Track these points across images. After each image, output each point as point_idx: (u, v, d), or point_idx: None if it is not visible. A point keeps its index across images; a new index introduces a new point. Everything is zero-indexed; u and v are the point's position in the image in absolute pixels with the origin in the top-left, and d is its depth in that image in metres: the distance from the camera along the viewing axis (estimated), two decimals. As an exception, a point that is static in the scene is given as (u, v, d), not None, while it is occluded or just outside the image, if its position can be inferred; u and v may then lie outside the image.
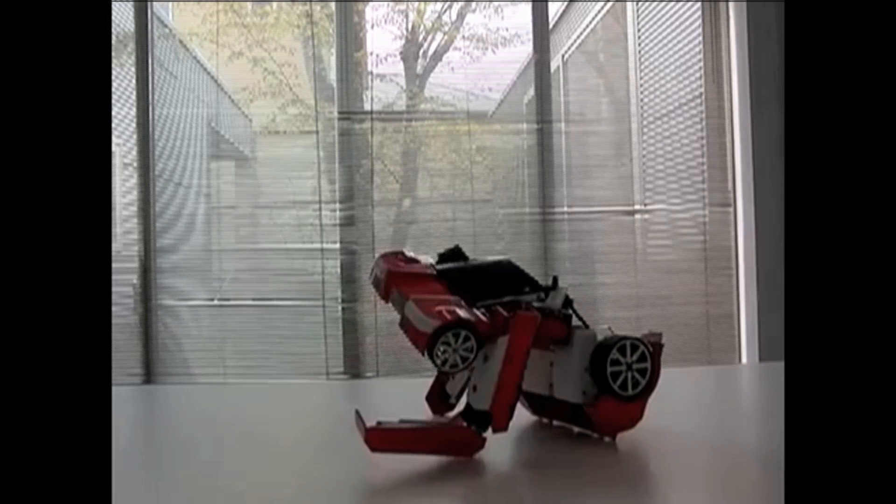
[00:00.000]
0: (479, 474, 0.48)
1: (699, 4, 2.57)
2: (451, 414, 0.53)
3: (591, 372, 0.52)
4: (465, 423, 0.49)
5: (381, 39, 2.64)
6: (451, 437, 0.49)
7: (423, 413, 0.56)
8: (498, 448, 0.50)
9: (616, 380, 0.51)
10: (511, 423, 0.49)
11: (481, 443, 0.49)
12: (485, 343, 0.48)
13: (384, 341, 2.51)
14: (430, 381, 0.57)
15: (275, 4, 2.71)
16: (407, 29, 2.70)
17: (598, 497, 0.44)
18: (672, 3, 2.63)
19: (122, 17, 2.49)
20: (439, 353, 0.46)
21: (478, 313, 0.49)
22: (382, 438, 0.47)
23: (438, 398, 0.56)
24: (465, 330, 0.47)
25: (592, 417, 0.52)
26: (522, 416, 0.59)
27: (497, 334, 0.49)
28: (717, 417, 0.64)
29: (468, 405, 0.50)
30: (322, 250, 2.52)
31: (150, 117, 2.49)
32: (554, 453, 0.52)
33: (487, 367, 0.49)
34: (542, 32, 2.60)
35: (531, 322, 0.49)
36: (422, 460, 0.48)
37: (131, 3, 2.49)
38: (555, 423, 0.58)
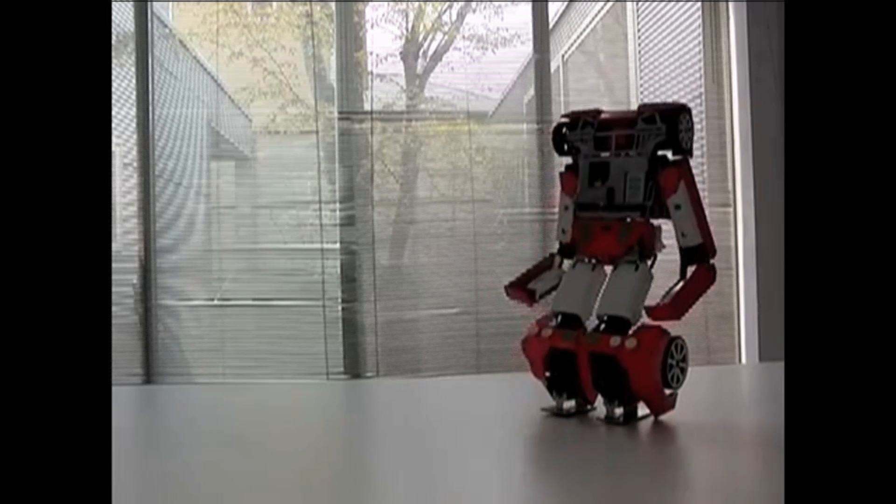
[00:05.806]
0: (479, 472, 0.48)
1: (699, 4, 2.57)
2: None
3: None
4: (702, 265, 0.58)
5: (381, 39, 2.64)
6: (699, 281, 0.59)
7: (425, 413, 0.55)
8: (499, 444, 0.50)
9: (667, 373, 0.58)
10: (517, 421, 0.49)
11: (715, 275, 0.59)
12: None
13: (384, 341, 2.51)
14: (430, 380, 0.57)
15: (275, 4, 2.71)
16: (407, 29, 2.69)
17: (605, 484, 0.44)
18: (672, 3, 2.63)
19: (122, 17, 2.49)
20: None
21: None
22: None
23: (522, 289, 0.62)
24: None
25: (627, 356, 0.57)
26: (530, 412, 0.59)
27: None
28: (717, 417, 0.64)
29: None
30: (322, 250, 2.52)
31: (150, 117, 2.49)
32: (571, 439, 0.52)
33: (682, 214, 0.59)
34: (542, 32, 2.59)
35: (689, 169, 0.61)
36: (421, 463, 0.48)
37: (131, 3, 2.49)
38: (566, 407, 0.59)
